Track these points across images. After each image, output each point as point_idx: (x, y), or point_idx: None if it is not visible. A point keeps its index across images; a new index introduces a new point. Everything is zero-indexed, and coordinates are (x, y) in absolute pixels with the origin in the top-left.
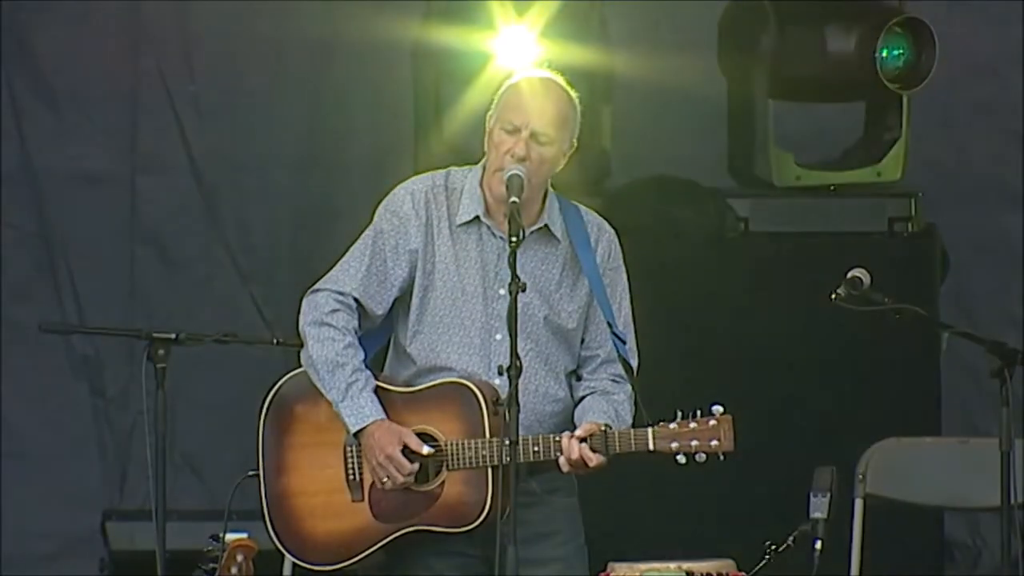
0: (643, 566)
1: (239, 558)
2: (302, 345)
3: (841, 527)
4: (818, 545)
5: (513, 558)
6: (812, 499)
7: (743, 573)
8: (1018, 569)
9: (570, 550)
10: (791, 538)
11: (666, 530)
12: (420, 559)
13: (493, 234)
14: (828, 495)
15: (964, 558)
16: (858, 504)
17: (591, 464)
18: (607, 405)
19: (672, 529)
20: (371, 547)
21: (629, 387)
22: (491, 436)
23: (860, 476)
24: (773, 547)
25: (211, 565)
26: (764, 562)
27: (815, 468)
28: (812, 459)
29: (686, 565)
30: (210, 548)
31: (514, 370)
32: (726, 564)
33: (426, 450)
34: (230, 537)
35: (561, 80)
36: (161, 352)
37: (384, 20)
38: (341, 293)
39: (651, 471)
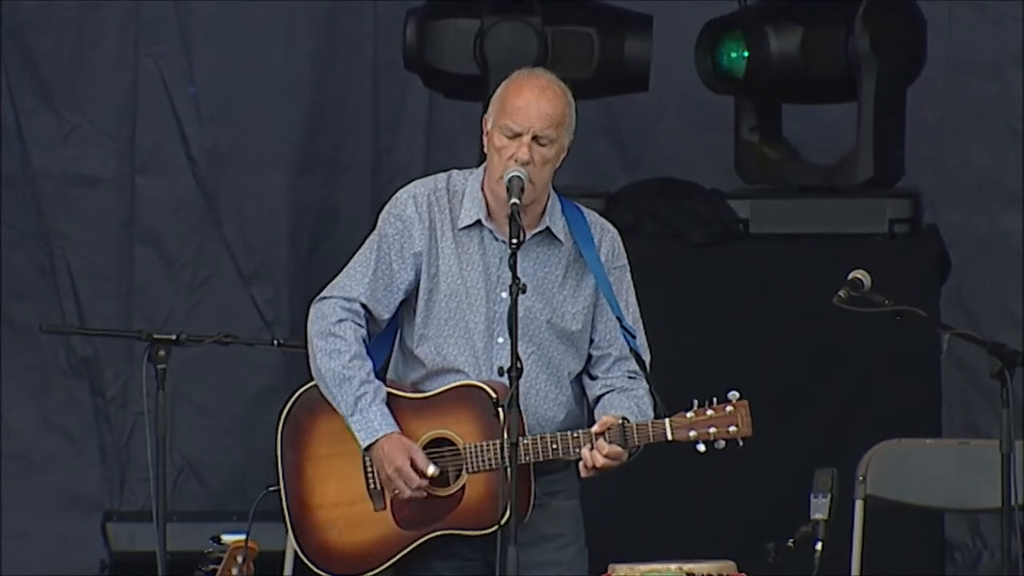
0: (643, 567)
1: (239, 559)
2: (302, 347)
3: (842, 528)
4: (819, 546)
5: (514, 560)
6: (813, 500)
7: (743, 574)
8: (1018, 570)
9: (571, 553)
10: (792, 539)
11: (666, 531)
12: (422, 562)
13: (495, 238)
14: (829, 496)
15: (964, 559)
16: (858, 505)
17: (607, 454)
18: (627, 401)
19: (672, 530)
20: (397, 554)
21: (645, 382)
22: (509, 437)
23: (860, 477)
24: (774, 548)
25: (212, 566)
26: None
27: (815, 469)
28: (812, 460)
29: (686, 566)
30: (211, 549)
31: (515, 371)
32: (726, 565)
33: (431, 471)
34: (231, 538)
35: (556, 78)
36: (161, 353)
37: (385, 19)
38: (348, 299)
39: (652, 472)
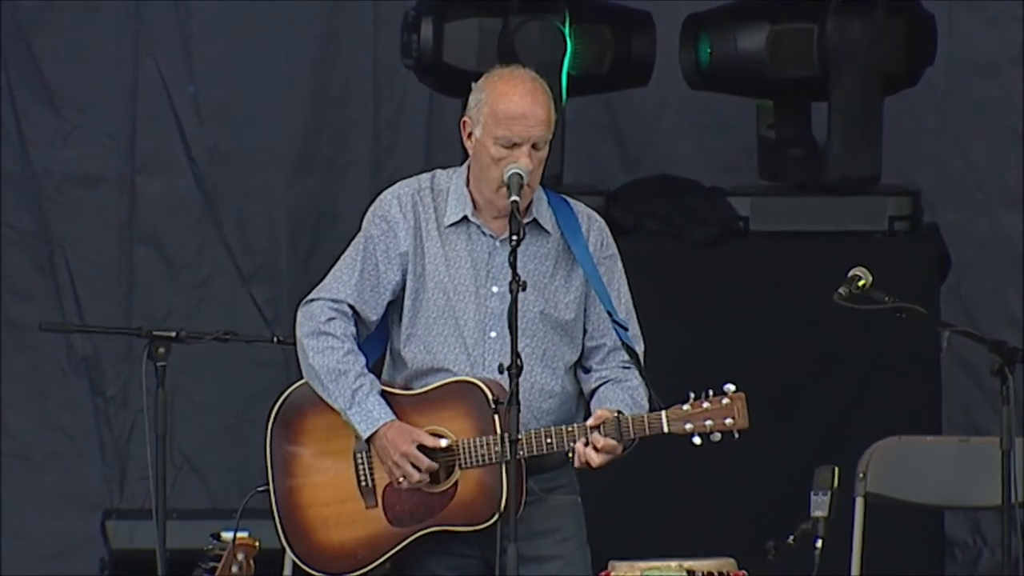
0: (643, 565)
1: (240, 557)
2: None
3: (842, 526)
4: (819, 544)
5: (513, 557)
6: (813, 498)
7: (743, 572)
8: (1018, 568)
9: (571, 547)
10: (792, 537)
11: (666, 528)
12: (417, 559)
13: (483, 232)
14: (829, 494)
15: (964, 557)
16: (858, 503)
17: (602, 447)
18: (622, 393)
19: (672, 527)
20: (388, 551)
21: (638, 372)
22: (502, 432)
23: (860, 475)
24: (774, 545)
25: (211, 564)
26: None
27: (816, 467)
28: (813, 458)
29: (687, 564)
30: (210, 547)
31: (515, 368)
32: (727, 563)
33: (443, 442)
34: (231, 535)
35: (534, 74)
36: (161, 351)
37: (385, 19)
38: (336, 301)
39: (652, 469)
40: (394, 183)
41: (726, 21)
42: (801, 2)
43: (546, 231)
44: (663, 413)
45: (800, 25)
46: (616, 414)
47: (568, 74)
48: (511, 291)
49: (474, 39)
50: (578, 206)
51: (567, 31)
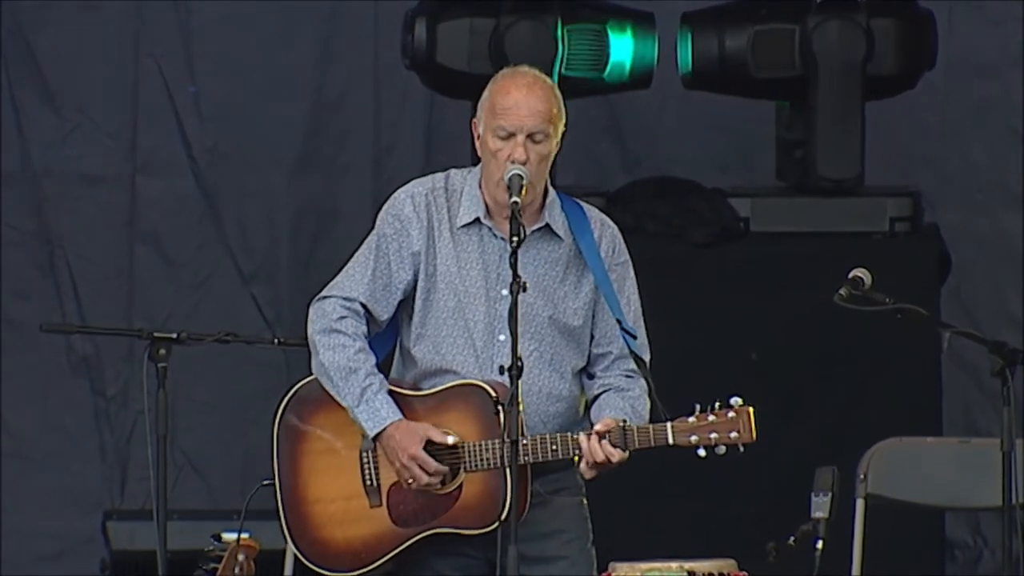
0: (644, 565)
1: (240, 557)
2: (303, 344)
3: (842, 527)
4: (819, 545)
5: (514, 558)
6: (813, 499)
7: (744, 573)
8: (1019, 569)
9: (575, 548)
10: (792, 538)
11: (667, 529)
12: (422, 559)
13: (494, 235)
14: (829, 495)
15: (965, 558)
16: (859, 504)
17: (612, 459)
18: (623, 402)
19: (673, 528)
20: (391, 552)
21: (643, 381)
22: (509, 436)
23: (861, 476)
24: (774, 546)
25: (212, 565)
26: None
27: (816, 468)
28: (813, 459)
29: (687, 564)
30: (211, 548)
31: (515, 370)
32: (727, 563)
33: (451, 439)
34: (231, 536)
35: (540, 73)
36: (162, 352)
37: (385, 19)
38: (348, 299)
39: (653, 471)
40: (394, 183)
41: (712, 21)
42: (786, 2)
43: (558, 236)
44: (668, 425)
45: (782, 26)
46: (622, 423)
47: (570, 76)
48: (511, 292)
49: (465, 39)
50: (591, 211)
51: (559, 32)
